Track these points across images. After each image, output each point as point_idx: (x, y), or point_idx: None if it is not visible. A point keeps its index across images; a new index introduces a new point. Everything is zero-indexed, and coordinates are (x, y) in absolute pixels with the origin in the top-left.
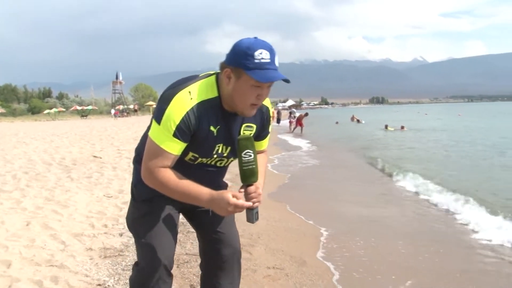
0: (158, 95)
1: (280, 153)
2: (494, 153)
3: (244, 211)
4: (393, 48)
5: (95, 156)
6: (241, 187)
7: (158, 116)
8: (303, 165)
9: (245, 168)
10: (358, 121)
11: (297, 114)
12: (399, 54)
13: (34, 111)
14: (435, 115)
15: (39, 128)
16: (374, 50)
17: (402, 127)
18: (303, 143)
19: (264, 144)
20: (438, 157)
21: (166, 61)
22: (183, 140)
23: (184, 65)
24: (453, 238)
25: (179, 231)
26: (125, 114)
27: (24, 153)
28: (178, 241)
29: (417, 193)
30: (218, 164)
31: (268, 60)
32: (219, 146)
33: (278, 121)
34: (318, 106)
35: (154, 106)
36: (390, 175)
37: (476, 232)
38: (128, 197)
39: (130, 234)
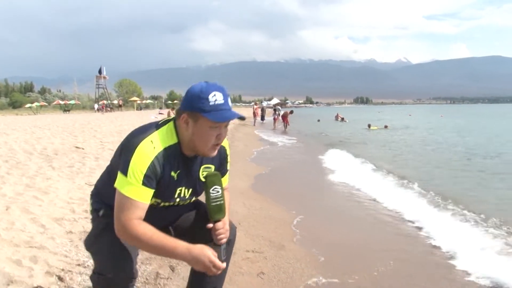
0: (143, 91)
1: (260, 147)
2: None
3: (211, 249)
4: (378, 49)
5: (77, 147)
6: (209, 223)
7: (123, 168)
8: (284, 159)
9: (213, 204)
10: (342, 119)
11: (282, 112)
12: (384, 55)
13: (15, 105)
14: (418, 116)
15: (20, 121)
16: (359, 50)
17: (386, 126)
18: (284, 139)
19: (225, 181)
20: (407, 153)
21: (151, 57)
22: (152, 187)
23: (169, 62)
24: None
25: None
26: (109, 109)
27: (4, 143)
28: None
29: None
30: (180, 204)
31: (222, 101)
32: (180, 190)
33: (263, 118)
34: (303, 105)
35: (138, 101)
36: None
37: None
38: None
39: None
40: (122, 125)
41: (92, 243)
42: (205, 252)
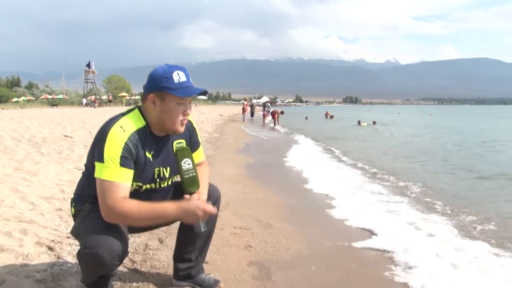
0: (132, 87)
1: (248, 140)
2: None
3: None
4: (367, 49)
5: (66, 136)
6: (185, 196)
7: (99, 156)
8: (269, 150)
9: (186, 176)
10: (331, 117)
11: (272, 109)
12: (373, 55)
13: (1, 100)
14: (407, 115)
15: (7, 114)
16: (349, 50)
17: (374, 122)
18: (271, 134)
19: (200, 155)
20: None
21: (141, 54)
22: (130, 167)
23: (159, 59)
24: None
25: None
26: (97, 104)
27: None
28: None
29: None
30: (162, 185)
31: (185, 79)
32: (158, 170)
33: (252, 114)
34: (292, 103)
35: (127, 97)
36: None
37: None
38: None
39: None
40: None
41: (78, 226)
42: (192, 202)
